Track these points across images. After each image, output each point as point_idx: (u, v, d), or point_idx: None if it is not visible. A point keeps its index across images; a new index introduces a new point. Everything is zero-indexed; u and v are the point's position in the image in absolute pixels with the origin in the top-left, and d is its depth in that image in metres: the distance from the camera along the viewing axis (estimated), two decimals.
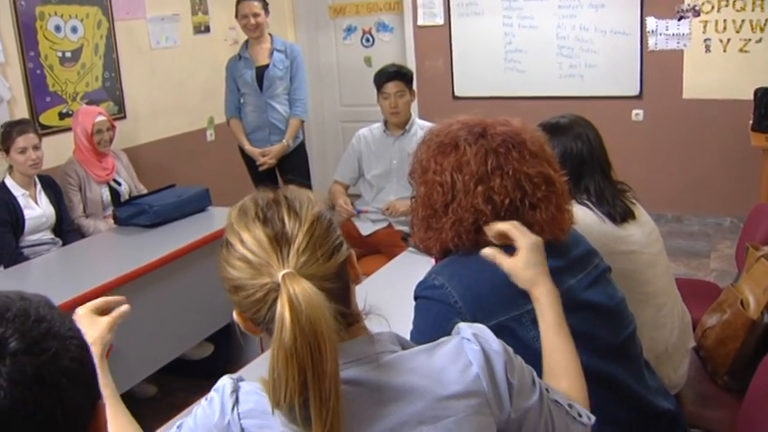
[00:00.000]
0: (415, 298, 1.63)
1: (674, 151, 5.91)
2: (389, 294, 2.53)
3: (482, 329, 1.28)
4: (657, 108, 5.89)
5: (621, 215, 2.24)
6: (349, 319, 1.18)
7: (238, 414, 1.16)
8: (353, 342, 1.17)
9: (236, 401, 1.17)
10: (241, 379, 1.22)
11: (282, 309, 1.04)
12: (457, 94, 6.54)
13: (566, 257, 1.68)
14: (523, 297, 1.56)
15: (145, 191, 4.41)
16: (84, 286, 2.93)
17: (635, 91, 5.92)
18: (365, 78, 6.70)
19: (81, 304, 2.77)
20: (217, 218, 3.89)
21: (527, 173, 1.61)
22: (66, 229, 3.93)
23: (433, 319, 1.56)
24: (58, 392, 0.76)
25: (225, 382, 1.20)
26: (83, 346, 0.82)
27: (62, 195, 3.99)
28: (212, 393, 1.21)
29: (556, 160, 1.70)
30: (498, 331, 1.50)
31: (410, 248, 3.09)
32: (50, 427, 0.75)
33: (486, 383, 1.19)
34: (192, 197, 3.91)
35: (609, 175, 2.31)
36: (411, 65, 6.48)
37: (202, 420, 1.20)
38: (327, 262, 1.14)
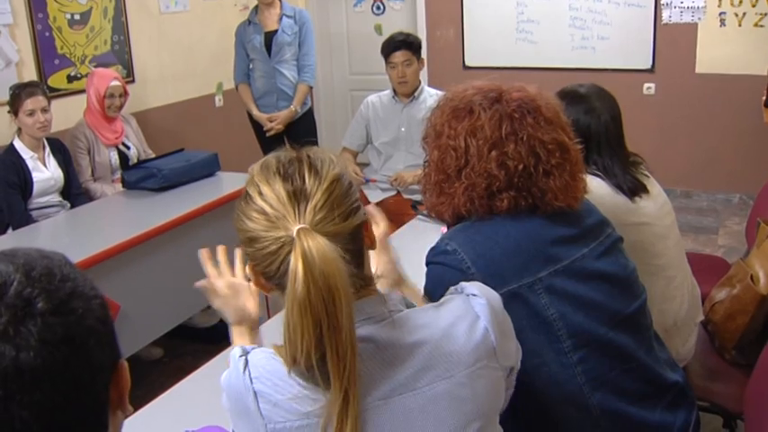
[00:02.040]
0: (427, 264, 1.62)
1: (685, 126, 5.86)
2: (400, 261, 2.53)
3: (483, 286, 1.30)
4: (669, 82, 5.83)
5: (632, 189, 2.22)
6: (361, 281, 1.19)
7: (250, 378, 1.15)
8: (365, 301, 1.18)
9: (246, 365, 1.17)
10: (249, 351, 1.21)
11: (296, 261, 1.05)
12: (467, 63, 6.49)
13: (578, 226, 1.66)
14: (536, 263, 1.56)
15: (153, 155, 4.39)
16: (93, 249, 2.93)
17: (647, 64, 5.86)
18: (375, 47, 6.53)
19: (89, 267, 2.81)
20: (225, 183, 3.88)
21: (541, 139, 1.59)
22: (74, 193, 3.92)
23: (446, 285, 1.55)
24: (85, 352, 0.76)
25: (234, 349, 1.21)
26: (104, 306, 0.82)
27: (71, 158, 3.98)
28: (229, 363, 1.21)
29: (570, 127, 1.68)
30: (511, 299, 1.51)
31: (419, 216, 3.08)
32: (77, 386, 0.75)
33: (494, 336, 1.21)
34: (200, 162, 3.90)
35: (618, 152, 2.28)
36: (422, 34, 6.43)
37: (227, 383, 1.19)
38: (343, 222, 1.14)
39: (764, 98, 5.26)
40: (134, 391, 0.87)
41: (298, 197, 1.13)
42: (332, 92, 7.20)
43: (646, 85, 5.90)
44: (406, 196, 3.89)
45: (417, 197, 3.82)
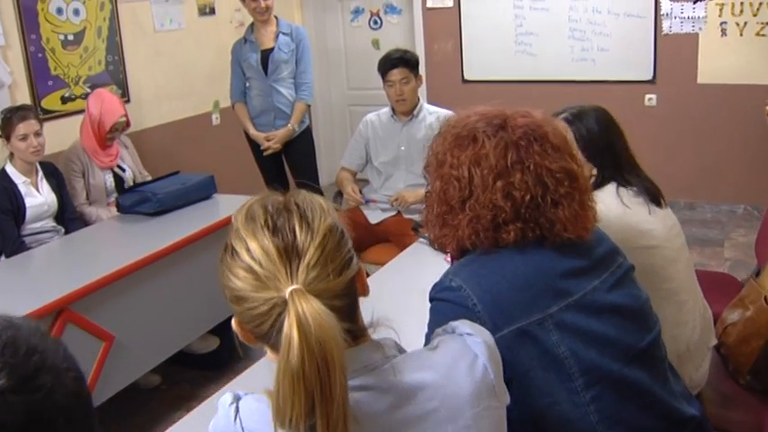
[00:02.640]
0: (431, 300, 1.55)
1: (688, 137, 5.80)
2: (402, 287, 2.46)
3: (473, 324, 1.26)
4: (671, 93, 5.78)
5: (652, 196, 2.17)
6: (355, 334, 1.12)
7: (241, 426, 1.10)
8: (360, 349, 1.12)
9: (237, 412, 1.11)
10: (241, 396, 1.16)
11: (290, 329, 0.98)
12: (466, 77, 6.44)
13: (589, 257, 1.59)
14: (546, 298, 1.49)
15: (149, 177, 4.33)
16: (88, 277, 2.86)
17: (648, 75, 5.81)
18: (373, 61, 6.49)
19: (83, 296, 2.74)
20: (222, 205, 3.82)
21: (549, 167, 1.53)
22: (68, 217, 3.85)
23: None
24: None
25: (225, 396, 1.15)
26: (79, 378, 0.75)
27: (64, 182, 3.91)
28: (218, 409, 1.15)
29: (579, 154, 1.62)
30: (519, 336, 1.45)
31: (421, 239, 3.01)
32: None
33: (492, 374, 1.18)
34: (196, 184, 3.83)
35: (632, 161, 2.23)
36: (419, 48, 6.40)
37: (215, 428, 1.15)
38: (338, 278, 1.08)
39: None
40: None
41: (289, 254, 1.06)
42: (330, 107, 7.14)
43: (647, 96, 5.85)
44: (406, 216, 3.83)
45: (418, 217, 3.76)
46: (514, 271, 1.50)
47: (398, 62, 3.80)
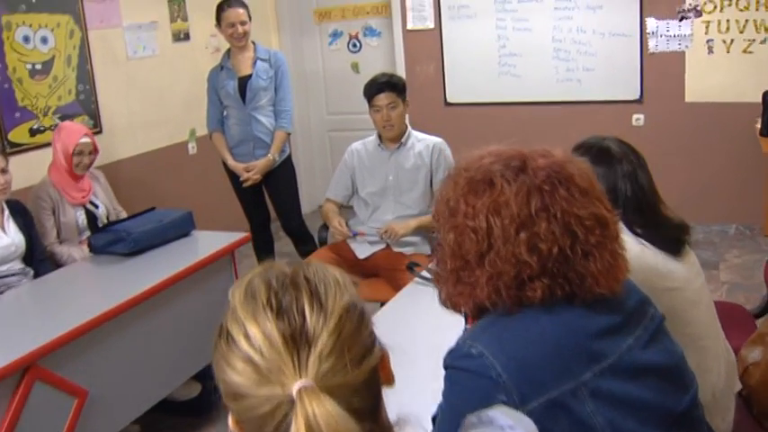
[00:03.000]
0: (446, 367, 1.36)
1: (677, 157, 5.68)
2: (401, 336, 2.26)
3: (513, 412, 1.09)
4: (659, 112, 5.67)
5: (673, 246, 2.00)
6: None
7: None
8: None
9: None
10: None
11: None
12: (449, 100, 6.32)
13: (621, 311, 1.42)
14: (579, 364, 1.31)
15: (124, 213, 4.12)
16: (59, 328, 2.63)
17: (635, 95, 5.70)
18: (353, 85, 6.56)
19: (55, 350, 2.52)
20: (202, 243, 3.63)
21: (578, 214, 1.35)
22: (38, 258, 3.62)
23: (470, 396, 1.29)
24: None
25: None
26: None
27: (32, 221, 3.68)
28: None
29: (605, 196, 1.45)
30: (551, 408, 1.27)
31: (417, 278, 2.83)
32: None
33: None
34: (173, 222, 3.62)
35: (657, 212, 2.06)
36: (401, 71, 6.27)
37: None
38: (357, 369, 0.89)
39: (759, 126, 5.11)
40: None
41: (297, 341, 0.88)
42: (309, 134, 7.00)
43: (635, 116, 5.74)
44: (396, 249, 3.67)
45: (409, 250, 3.60)
46: (542, 333, 1.33)
47: (385, 86, 3.66)
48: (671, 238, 2.06)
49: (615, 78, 5.71)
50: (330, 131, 6.96)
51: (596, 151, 2.09)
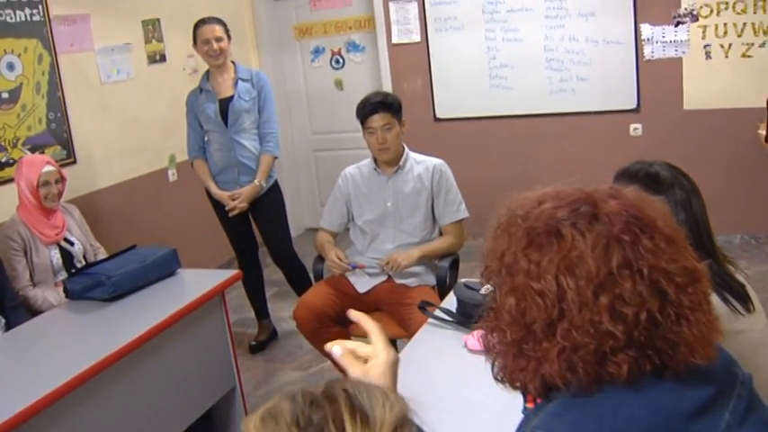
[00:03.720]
0: None
1: (675, 164, 5.47)
2: (421, 387, 2.00)
3: None
4: (657, 121, 5.49)
5: (740, 297, 1.75)
6: None
7: None
8: None
9: None
10: None
11: None
12: (438, 115, 6.14)
13: (712, 380, 1.16)
14: None
15: (101, 249, 3.85)
16: (37, 391, 2.32)
17: (632, 104, 5.52)
18: (337, 103, 6.43)
19: (28, 419, 2.23)
20: (189, 284, 3.36)
21: (666, 269, 1.10)
22: (8, 305, 3.32)
23: None
24: None
25: None
26: None
27: (2, 265, 3.39)
28: None
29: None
30: None
31: (431, 319, 2.58)
32: None
33: None
34: (156, 261, 3.34)
35: (714, 246, 1.82)
36: (386, 86, 6.11)
37: None
38: None
39: (764, 133, 4.91)
40: None
41: None
42: (293, 155, 6.80)
43: (632, 126, 5.57)
44: (399, 281, 3.45)
45: (413, 282, 3.39)
46: (630, 418, 1.07)
47: (379, 106, 3.45)
48: (730, 272, 1.82)
49: (611, 87, 5.54)
50: (315, 151, 6.80)
51: (643, 178, 1.86)
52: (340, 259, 3.45)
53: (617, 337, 1.07)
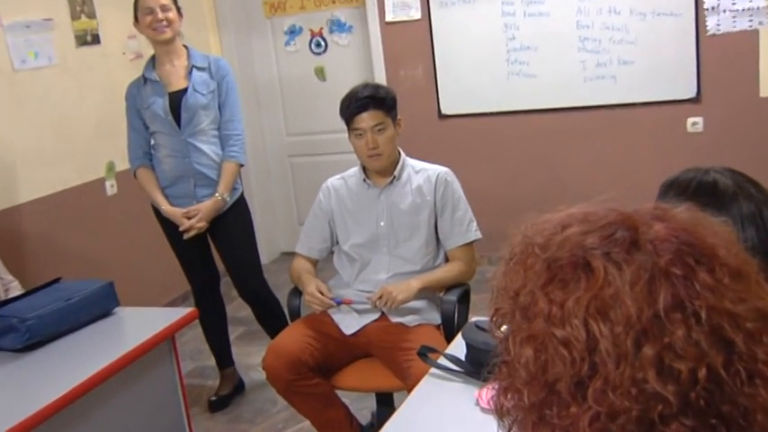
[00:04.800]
0: None
1: (749, 170, 5.47)
2: None
3: None
4: (723, 113, 5.54)
5: None
6: None
7: None
8: None
9: None
10: None
11: None
12: (444, 111, 6.24)
13: None
14: None
15: (15, 284, 3.78)
16: None
17: (690, 92, 5.58)
18: (318, 97, 6.52)
19: None
20: (129, 326, 3.36)
21: (732, 312, 1.07)
22: None
23: None
24: None
25: None
26: None
27: None
28: None
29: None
30: None
31: (433, 369, 2.61)
32: None
33: None
34: (88, 298, 3.31)
35: None
36: (379, 75, 6.21)
37: None
38: None
39: None
40: None
41: None
42: (264, 161, 6.90)
43: (690, 120, 5.63)
44: (395, 320, 3.45)
45: (412, 320, 3.46)
46: None
47: (369, 102, 3.47)
48: None
49: (662, 72, 5.59)
50: (291, 157, 6.89)
51: (697, 191, 1.84)
52: (321, 293, 3.46)
53: (668, 400, 1.04)
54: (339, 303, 3.49)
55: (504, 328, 1.19)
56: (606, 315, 1.07)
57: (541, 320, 1.11)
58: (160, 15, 4.22)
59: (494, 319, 1.20)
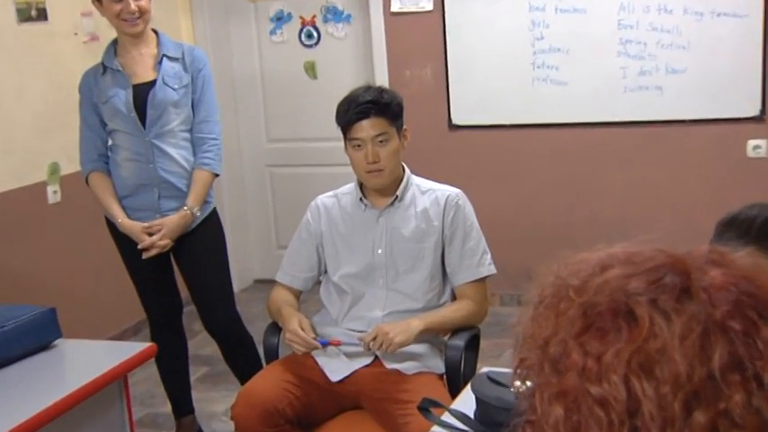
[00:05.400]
0: None
1: None
2: None
3: None
4: None
5: None
6: None
7: None
8: None
9: None
10: None
11: None
12: (455, 121, 6.30)
13: None
14: None
15: None
16: None
17: (753, 110, 5.66)
18: (307, 97, 6.62)
19: None
20: (73, 362, 3.40)
21: None
22: None
23: None
24: None
25: None
26: None
27: None
28: None
29: None
30: None
31: (436, 428, 2.65)
32: None
33: None
34: (23, 327, 3.34)
35: None
36: (381, 76, 6.27)
37: None
38: None
39: None
40: None
41: None
42: (240, 171, 6.97)
43: (752, 143, 5.71)
44: (390, 366, 3.48)
45: (411, 367, 3.49)
46: None
47: (371, 108, 3.51)
48: None
49: (720, 84, 5.67)
50: (272, 167, 6.95)
51: (761, 229, 1.88)
52: (304, 330, 3.48)
53: None
54: (325, 345, 3.51)
55: (529, 382, 1.23)
56: (651, 372, 1.11)
57: (574, 375, 1.15)
58: (132, 6, 4.21)
59: (518, 370, 1.24)
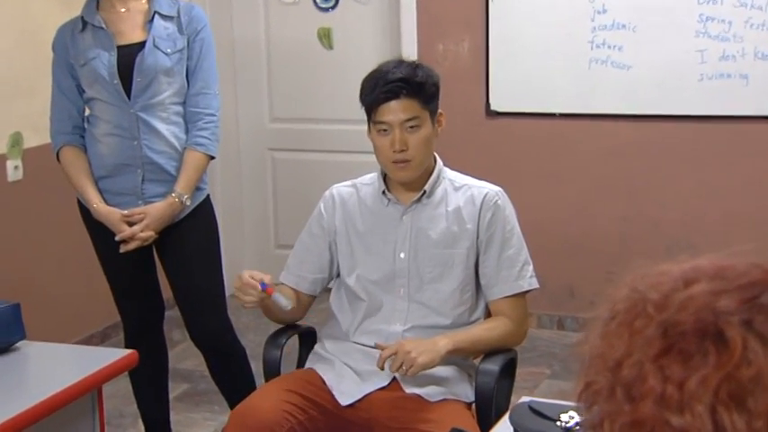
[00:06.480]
0: None
1: None
2: None
3: None
4: None
5: None
6: None
7: None
8: None
9: None
10: None
11: None
12: (494, 106, 6.31)
13: None
14: None
15: None
16: None
17: None
18: (320, 69, 6.61)
19: None
20: (38, 370, 3.47)
21: None
22: None
23: None
24: None
25: None
26: None
27: None
28: None
29: None
30: None
31: None
32: None
33: None
34: None
35: None
36: (409, 49, 6.21)
37: None
38: None
39: None
40: None
41: None
42: (236, 154, 7.00)
43: None
44: (409, 390, 3.49)
45: (435, 394, 3.50)
46: None
47: (401, 88, 3.52)
48: None
49: None
50: (274, 151, 6.98)
51: None
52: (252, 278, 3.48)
53: None
54: (264, 288, 3.47)
55: (594, 408, 1.26)
56: (742, 403, 1.14)
57: (651, 402, 1.18)
58: None
59: (583, 396, 1.27)
